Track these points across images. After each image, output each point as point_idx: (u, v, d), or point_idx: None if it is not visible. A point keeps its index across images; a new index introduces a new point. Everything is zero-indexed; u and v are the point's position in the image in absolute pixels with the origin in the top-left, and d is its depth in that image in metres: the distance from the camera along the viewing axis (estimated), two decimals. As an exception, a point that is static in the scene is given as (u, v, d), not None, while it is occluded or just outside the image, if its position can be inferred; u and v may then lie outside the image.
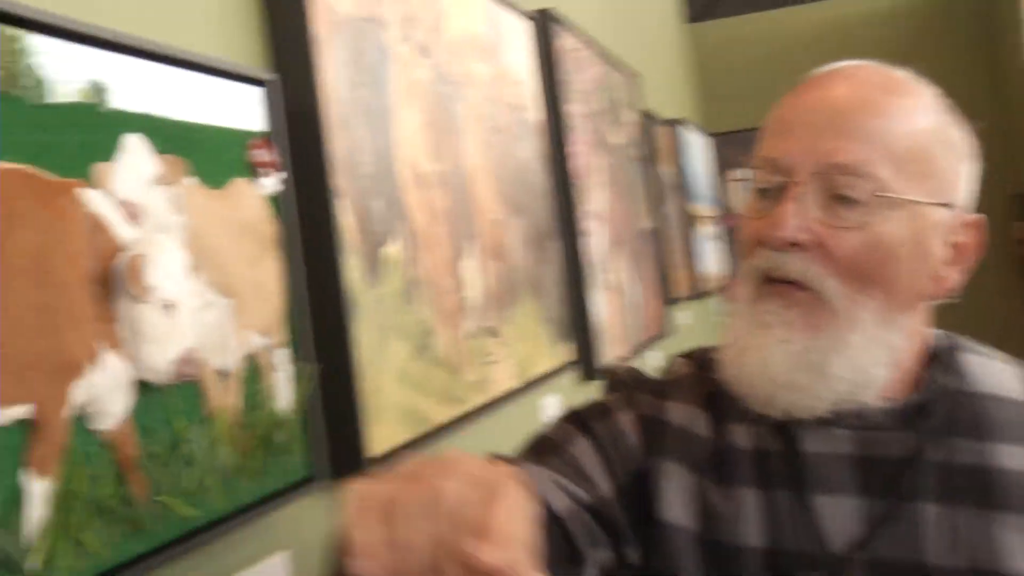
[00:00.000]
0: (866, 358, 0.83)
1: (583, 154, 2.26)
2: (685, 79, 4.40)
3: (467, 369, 1.49)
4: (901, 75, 0.88)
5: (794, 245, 0.82)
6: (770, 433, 0.86)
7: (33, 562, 0.69)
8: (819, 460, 0.84)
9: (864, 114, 0.83)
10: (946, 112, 0.87)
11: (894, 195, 0.81)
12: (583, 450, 0.90)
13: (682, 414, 0.92)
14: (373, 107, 1.28)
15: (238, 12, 1.08)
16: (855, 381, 0.83)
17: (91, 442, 0.76)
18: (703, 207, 4.14)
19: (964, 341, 0.92)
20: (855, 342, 0.82)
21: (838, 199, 0.82)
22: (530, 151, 1.90)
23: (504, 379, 1.63)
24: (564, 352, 1.95)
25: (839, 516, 0.83)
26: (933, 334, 0.90)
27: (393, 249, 1.29)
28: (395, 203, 1.31)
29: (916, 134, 0.83)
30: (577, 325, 2.08)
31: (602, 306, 2.21)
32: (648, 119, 3.09)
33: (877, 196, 0.81)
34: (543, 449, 0.91)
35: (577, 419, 0.93)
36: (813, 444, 0.85)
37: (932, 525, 0.81)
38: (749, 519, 0.85)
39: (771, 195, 0.85)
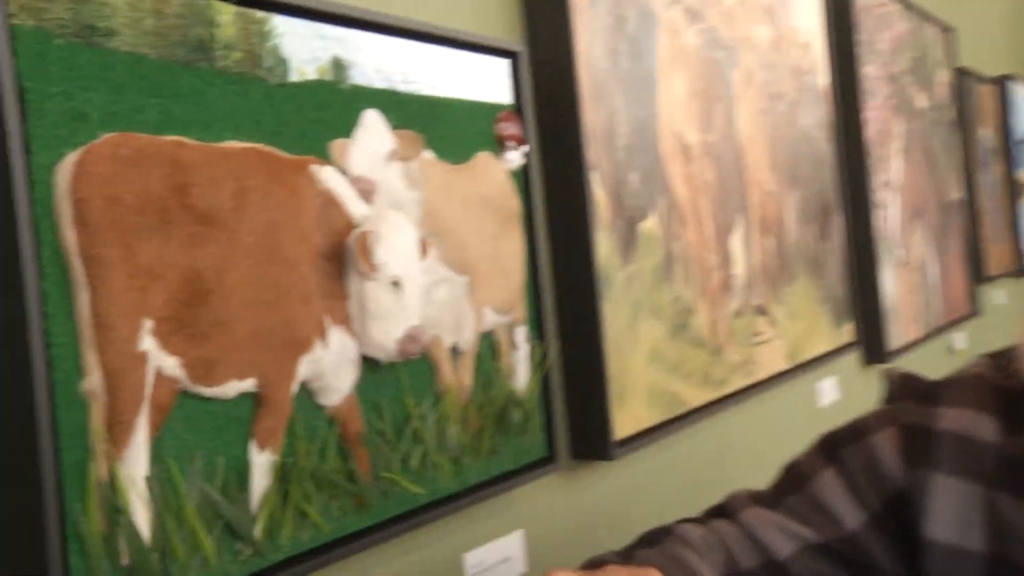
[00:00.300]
0: None
1: (879, 120, 2.08)
2: (1018, 30, 3.96)
3: (731, 350, 1.41)
4: None
5: None
6: None
7: (256, 531, 0.72)
8: None
9: None
10: None
11: None
12: (827, 482, 0.84)
13: (960, 420, 0.81)
14: (634, 76, 1.22)
15: (491, -18, 1.06)
16: None
17: (317, 416, 0.77)
18: (1029, 173, 3.72)
19: None
20: None
21: None
22: (814, 118, 1.77)
23: (774, 361, 1.54)
24: (845, 333, 1.82)
25: None
26: None
27: (651, 224, 1.24)
28: (655, 176, 1.26)
29: None
30: (862, 304, 1.93)
31: (891, 284, 2.04)
32: (965, 77, 2.80)
33: None
34: (786, 485, 0.86)
35: (828, 445, 0.86)
36: None
37: None
38: None
39: None
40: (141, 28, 0.66)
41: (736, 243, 1.46)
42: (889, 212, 2.08)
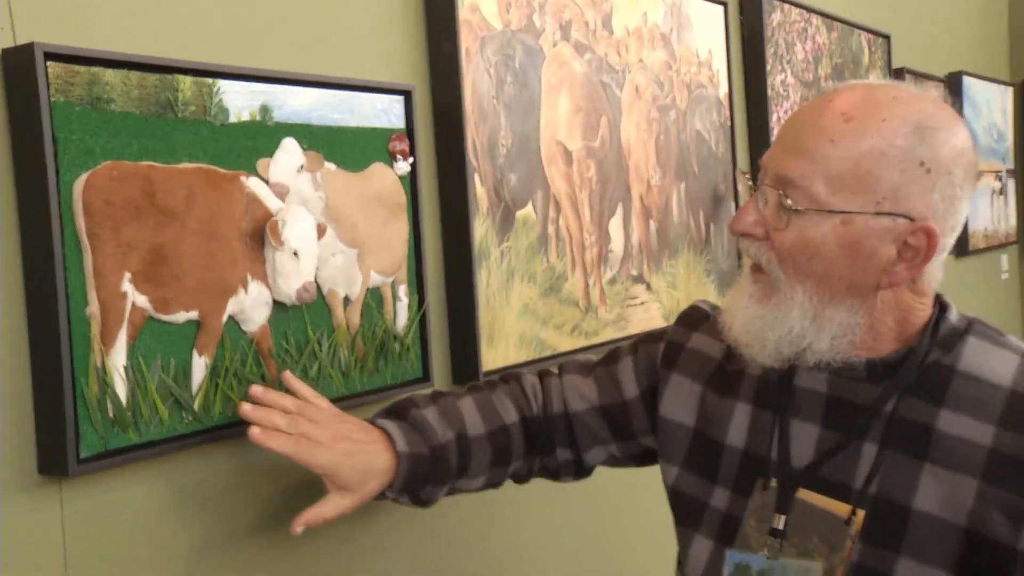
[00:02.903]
0: (802, 328, 1.07)
1: (790, 120, 2.46)
2: (983, 28, 4.25)
3: (603, 309, 1.83)
4: (883, 97, 1.04)
5: (747, 235, 1.10)
6: (777, 366, 1.13)
7: (196, 406, 1.16)
8: (803, 393, 1.12)
9: (816, 137, 1.04)
10: (918, 134, 1.01)
11: (824, 207, 1.03)
12: (625, 364, 1.32)
13: (703, 342, 1.25)
14: (518, 100, 1.63)
15: (394, 35, 1.48)
16: (793, 344, 1.08)
17: (240, 338, 1.21)
18: (989, 162, 4.04)
19: (984, 327, 1.10)
20: (793, 315, 1.07)
21: (782, 206, 1.07)
22: (709, 123, 2.16)
23: (650, 320, 1.95)
24: (730, 301, 2.22)
25: (804, 439, 1.11)
26: (941, 314, 1.09)
27: (527, 212, 1.65)
28: (534, 176, 1.67)
29: (859, 157, 1.01)
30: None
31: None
32: (903, 77, 3.14)
33: (808, 207, 1.04)
34: (604, 359, 1.34)
35: (637, 341, 1.34)
36: (803, 380, 1.12)
37: (865, 460, 1.07)
38: (737, 424, 1.17)
39: (752, 191, 1.12)
40: (129, 96, 1.09)
41: (615, 226, 1.86)
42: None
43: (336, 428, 1.16)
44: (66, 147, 1.04)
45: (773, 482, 1.11)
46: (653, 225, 1.97)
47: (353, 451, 1.16)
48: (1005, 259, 4.25)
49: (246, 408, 1.14)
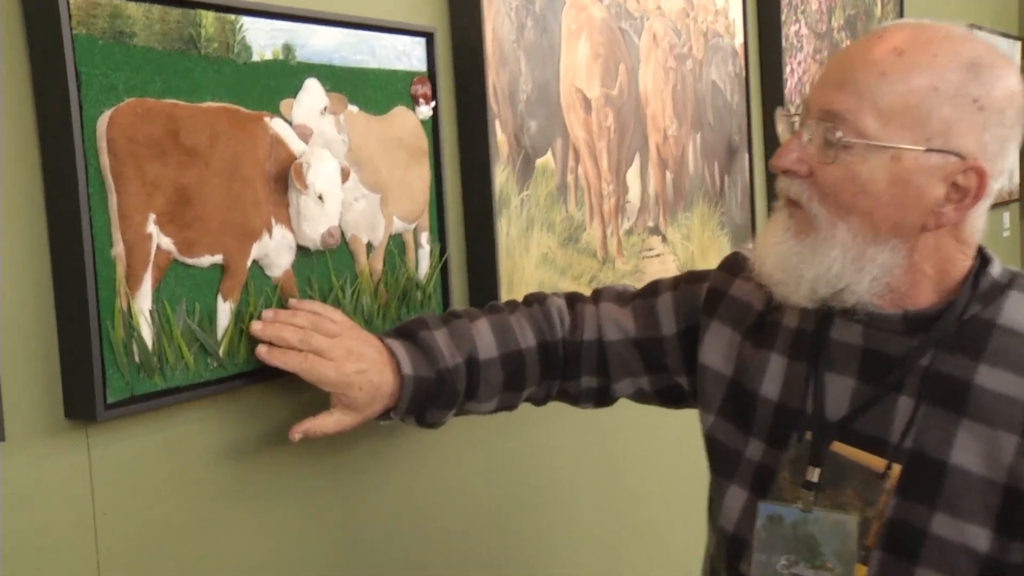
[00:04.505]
0: (842, 268, 1.04)
1: (804, 72, 2.43)
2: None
3: (620, 260, 1.80)
4: (935, 34, 1.01)
5: (789, 172, 1.07)
6: (812, 318, 1.12)
7: (220, 351, 1.13)
8: (837, 345, 1.10)
9: (865, 71, 1.01)
10: (971, 71, 0.99)
11: (873, 141, 1.00)
12: (665, 300, 1.30)
13: (744, 290, 1.22)
14: (538, 45, 1.60)
15: (418, -23, 1.44)
16: (830, 283, 1.05)
17: (264, 283, 1.18)
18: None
19: None
20: (833, 255, 1.04)
21: (828, 141, 1.03)
22: (724, 73, 2.12)
23: (665, 271, 1.93)
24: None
25: (838, 392, 1.09)
26: (983, 267, 1.06)
27: (547, 160, 1.62)
28: (554, 123, 1.64)
29: (910, 91, 0.98)
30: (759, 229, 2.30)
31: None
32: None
33: (858, 140, 1.01)
34: (643, 291, 1.33)
35: (680, 279, 1.32)
36: (837, 332, 1.10)
37: (901, 414, 1.05)
38: (771, 376, 1.15)
39: (796, 129, 1.09)
40: (152, 31, 1.06)
41: (633, 176, 1.84)
42: (804, 153, 2.43)
43: (348, 345, 1.15)
44: (89, 82, 1.00)
45: (808, 435, 1.09)
46: (669, 176, 1.95)
47: (364, 370, 1.14)
48: (1007, 217, 4.24)
49: (256, 326, 1.13)
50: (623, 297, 1.33)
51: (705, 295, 1.26)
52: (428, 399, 1.20)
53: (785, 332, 1.16)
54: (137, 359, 1.05)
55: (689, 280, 1.30)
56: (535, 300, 1.33)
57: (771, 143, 2.32)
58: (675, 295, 1.29)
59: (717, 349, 1.22)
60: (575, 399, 1.34)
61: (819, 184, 1.04)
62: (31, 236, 1.00)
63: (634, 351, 1.29)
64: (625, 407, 1.39)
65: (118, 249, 1.03)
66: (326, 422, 1.15)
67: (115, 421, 1.05)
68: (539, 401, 1.33)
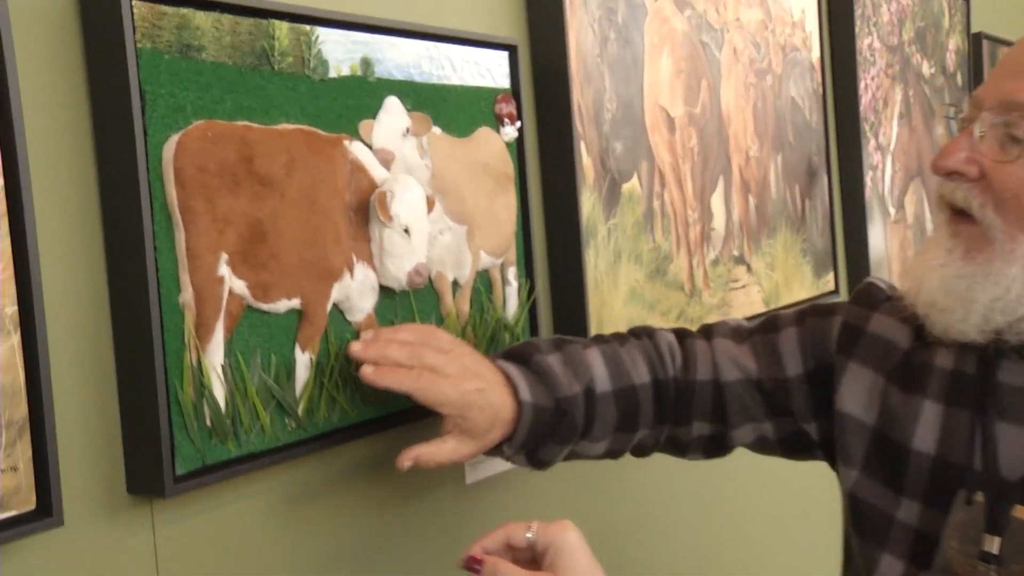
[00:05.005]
0: (1023, 290, 0.89)
1: (877, 88, 2.28)
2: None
3: (707, 293, 1.65)
4: None
5: (956, 174, 0.92)
6: (971, 358, 0.96)
7: (300, 410, 0.99)
8: (1009, 390, 0.93)
9: None
10: None
11: None
12: (788, 336, 1.13)
13: (884, 325, 1.06)
14: (622, 60, 1.46)
15: (497, -14, 1.30)
16: (1008, 310, 0.89)
17: (346, 329, 1.04)
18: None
19: None
20: (1012, 273, 0.89)
21: (1011, 136, 0.88)
22: (803, 90, 1.98)
23: (751, 304, 1.78)
24: (825, 283, 2.05)
25: (1014, 446, 0.92)
26: None
27: (633, 185, 1.48)
28: (639, 144, 1.50)
29: None
30: (850, 256, 2.15)
31: (880, 239, 2.25)
32: (982, 42, 2.96)
33: None
34: (762, 326, 1.16)
35: (803, 312, 1.15)
36: (1007, 375, 0.93)
37: None
38: (925, 426, 0.98)
39: (962, 127, 0.94)
40: (221, 44, 0.92)
41: (717, 201, 1.69)
42: (882, 173, 2.29)
43: (463, 363, 1.01)
44: (154, 103, 0.86)
45: (979, 496, 0.93)
46: (752, 201, 1.80)
47: (483, 388, 1.00)
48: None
49: (356, 346, 0.99)
50: (739, 333, 1.17)
51: (839, 332, 1.10)
52: (546, 431, 1.05)
53: (939, 374, 1.00)
54: (209, 422, 0.91)
55: (815, 313, 1.15)
56: (644, 333, 1.18)
57: (848, 164, 2.17)
58: (800, 331, 1.13)
59: (857, 394, 1.06)
60: (683, 448, 1.18)
61: (995, 188, 0.89)
62: (88, 282, 0.85)
63: (755, 393, 1.13)
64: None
65: (186, 295, 0.89)
66: (441, 449, 1.00)
67: (184, 496, 0.90)
68: (646, 448, 1.17)
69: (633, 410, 1.11)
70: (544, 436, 1.05)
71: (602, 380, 1.09)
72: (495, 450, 1.05)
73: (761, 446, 1.17)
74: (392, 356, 0.98)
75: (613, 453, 1.14)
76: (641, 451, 1.17)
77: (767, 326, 1.16)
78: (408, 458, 0.99)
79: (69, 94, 0.84)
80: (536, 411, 1.03)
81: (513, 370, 1.04)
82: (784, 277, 1.89)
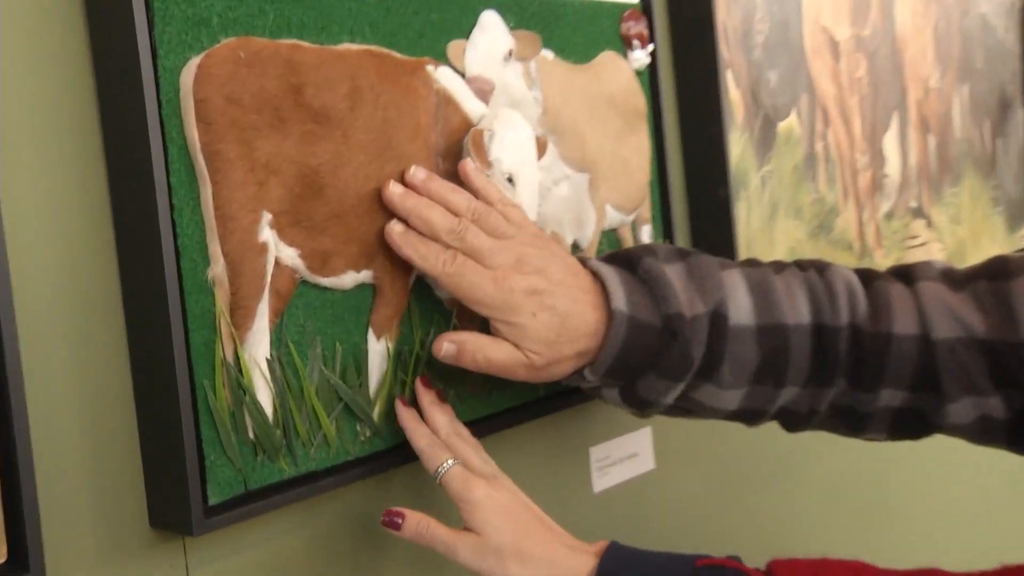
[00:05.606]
0: None
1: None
2: None
3: (880, 253, 1.37)
4: None
5: None
6: None
7: (375, 414, 0.77)
8: None
9: None
10: None
11: None
12: (1021, 285, 0.82)
13: None
14: (776, -32, 1.19)
15: None
16: None
17: (434, 311, 0.81)
18: None
19: None
20: None
21: None
22: (996, 4, 1.66)
23: (931, 266, 1.48)
24: (1021, 238, 1.73)
25: None
26: None
27: (791, 123, 1.21)
28: (797, 74, 1.22)
29: None
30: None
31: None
32: None
33: None
34: (984, 269, 0.85)
35: None
36: None
37: None
38: None
39: None
40: (257, -64, 0.70)
41: (890, 142, 1.40)
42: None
43: (520, 253, 0.78)
44: (167, 14, 0.65)
45: None
46: (932, 141, 1.50)
47: (544, 291, 0.77)
48: None
49: (394, 188, 0.78)
50: (951, 277, 0.86)
51: None
52: (647, 357, 0.79)
53: None
54: (252, 435, 0.69)
55: None
56: (812, 265, 0.89)
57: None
58: None
59: None
60: (861, 422, 0.87)
61: None
62: (92, 252, 0.65)
63: (979, 358, 0.83)
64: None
65: (217, 269, 0.67)
66: (495, 348, 0.77)
67: (221, 532, 0.69)
68: (799, 419, 0.87)
69: (781, 358, 0.82)
70: (644, 365, 0.79)
71: (741, 309, 0.81)
72: (576, 376, 0.81)
73: (982, 429, 0.86)
74: (429, 220, 0.75)
75: (750, 415, 0.86)
76: (793, 421, 0.88)
77: (994, 270, 0.85)
78: (449, 339, 0.77)
79: (59, 11, 0.63)
80: (633, 327, 0.77)
81: (609, 272, 0.79)
82: (971, 232, 1.58)
